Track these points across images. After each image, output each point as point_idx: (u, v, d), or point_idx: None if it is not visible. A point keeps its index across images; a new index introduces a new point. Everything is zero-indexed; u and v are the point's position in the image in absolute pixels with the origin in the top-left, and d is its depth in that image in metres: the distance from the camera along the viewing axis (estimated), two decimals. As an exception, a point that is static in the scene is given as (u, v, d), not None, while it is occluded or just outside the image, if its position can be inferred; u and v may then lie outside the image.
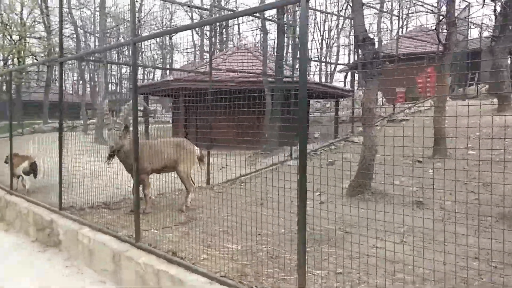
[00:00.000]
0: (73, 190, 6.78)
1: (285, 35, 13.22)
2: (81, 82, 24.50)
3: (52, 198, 6.85)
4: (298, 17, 13.00)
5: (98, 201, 6.79)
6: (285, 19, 13.55)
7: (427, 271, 3.74)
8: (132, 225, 5.38)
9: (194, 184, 6.58)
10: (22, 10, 27.85)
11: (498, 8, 12.09)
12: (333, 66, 33.53)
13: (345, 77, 31.55)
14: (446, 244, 4.58)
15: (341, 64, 21.22)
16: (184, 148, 6.28)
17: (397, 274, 3.85)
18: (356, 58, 22.75)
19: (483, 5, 14.75)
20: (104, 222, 5.72)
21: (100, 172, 6.49)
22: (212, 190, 8.08)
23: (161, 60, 41.78)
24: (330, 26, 40.64)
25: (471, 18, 17.23)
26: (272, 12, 13.63)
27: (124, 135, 5.99)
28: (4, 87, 27.90)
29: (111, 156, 6.13)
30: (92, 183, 6.69)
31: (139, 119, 6.28)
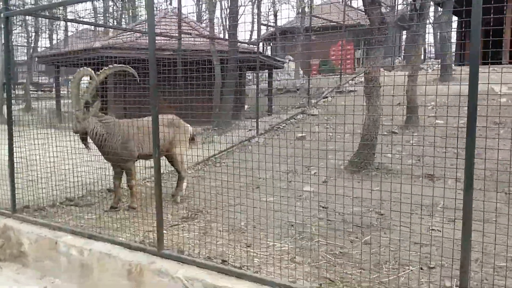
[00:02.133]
0: (22, 185, 5.30)
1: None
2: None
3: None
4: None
5: (59, 197, 5.43)
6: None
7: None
8: (125, 226, 4.32)
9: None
10: None
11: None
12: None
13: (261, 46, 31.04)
14: (494, 220, 4.32)
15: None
16: (179, 127, 5.21)
17: (487, 261, 3.43)
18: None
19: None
20: (86, 225, 4.50)
21: (42, 161, 5.12)
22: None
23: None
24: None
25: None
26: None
27: (86, 116, 4.76)
28: None
29: (83, 140, 4.89)
30: (39, 175, 5.27)
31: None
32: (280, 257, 3.53)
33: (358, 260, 3.47)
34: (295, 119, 10.19)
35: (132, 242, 3.87)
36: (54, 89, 18.47)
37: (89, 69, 4.80)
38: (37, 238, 4.35)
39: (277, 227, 4.27)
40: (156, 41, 12.47)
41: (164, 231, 4.27)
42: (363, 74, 14.05)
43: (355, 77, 13.05)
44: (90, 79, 4.81)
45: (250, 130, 9.56)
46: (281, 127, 9.67)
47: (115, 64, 4.85)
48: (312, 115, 10.41)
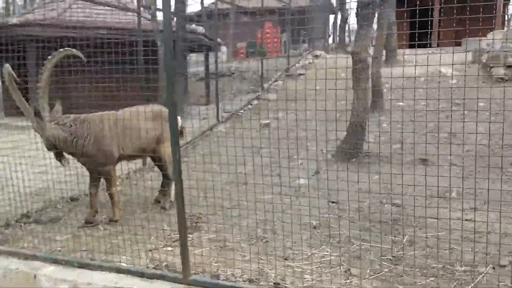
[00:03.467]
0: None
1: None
2: None
3: None
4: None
5: (8, 213, 4.37)
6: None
7: None
8: (117, 247, 3.53)
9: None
10: None
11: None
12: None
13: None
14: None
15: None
16: (167, 120, 4.38)
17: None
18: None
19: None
20: (64, 249, 3.61)
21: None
22: (154, 170, 6.21)
23: None
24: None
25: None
26: None
27: (41, 124, 3.98)
28: None
29: (57, 155, 4.06)
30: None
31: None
32: (331, 270, 3.03)
33: (422, 265, 3.09)
34: (251, 105, 9.64)
35: (144, 268, 3.10)
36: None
37: (7, 65, 3.87)
38: (5, 272, 3.36)
39: (297, 231, 3.75)
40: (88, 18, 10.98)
41: (170, 248, 3.57)
42: (308, 57, 13.87)
43: (300, 60, 12.78)
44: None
45: (204, 118, 8.82)
46: (240, 113, 9.07)
47: (55, 53, 3.92)
48: (269, 100, 9.93)
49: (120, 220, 4.25)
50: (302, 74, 11.71)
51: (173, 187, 4.61)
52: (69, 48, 3.94)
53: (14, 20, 9.81)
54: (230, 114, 8.74)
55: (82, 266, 3.24)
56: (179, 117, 4.70)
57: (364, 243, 3.50)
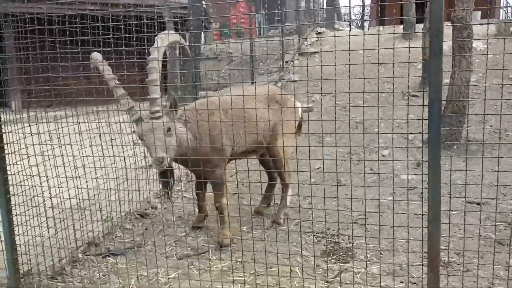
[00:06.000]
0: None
1: None
2: None
3: None
4: None
5: (64, 240, 3.13)
6: None
7: None
8: None
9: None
10: None
11: None
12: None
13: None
14: None
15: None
16: (285, 105, 3.27)
17: None
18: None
19: None
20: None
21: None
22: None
23: None
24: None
25: None
26: None
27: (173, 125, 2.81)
28: None
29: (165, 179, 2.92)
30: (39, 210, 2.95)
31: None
32: None
33: None
34: (277, 87, 8.60)
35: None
36: None
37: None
38: None
39: (481, 249, 2.86)
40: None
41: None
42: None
43: (307, 38, 11.80)
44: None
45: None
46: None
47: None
48: (292, 81, 8.92)
49: (229, 245, 3.15)
50: (316, 52, 10.79)
51: (289, 195, 3.54)
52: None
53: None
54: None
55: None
56: (299, 105, 3.65)
57: None
